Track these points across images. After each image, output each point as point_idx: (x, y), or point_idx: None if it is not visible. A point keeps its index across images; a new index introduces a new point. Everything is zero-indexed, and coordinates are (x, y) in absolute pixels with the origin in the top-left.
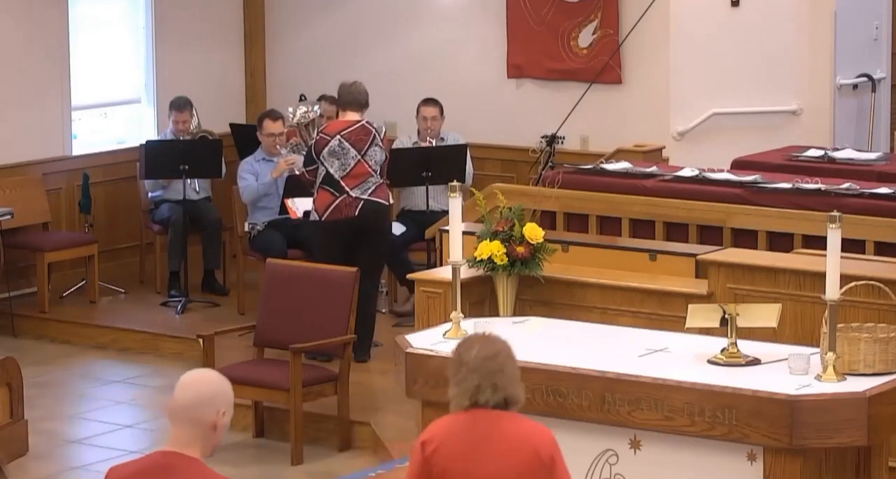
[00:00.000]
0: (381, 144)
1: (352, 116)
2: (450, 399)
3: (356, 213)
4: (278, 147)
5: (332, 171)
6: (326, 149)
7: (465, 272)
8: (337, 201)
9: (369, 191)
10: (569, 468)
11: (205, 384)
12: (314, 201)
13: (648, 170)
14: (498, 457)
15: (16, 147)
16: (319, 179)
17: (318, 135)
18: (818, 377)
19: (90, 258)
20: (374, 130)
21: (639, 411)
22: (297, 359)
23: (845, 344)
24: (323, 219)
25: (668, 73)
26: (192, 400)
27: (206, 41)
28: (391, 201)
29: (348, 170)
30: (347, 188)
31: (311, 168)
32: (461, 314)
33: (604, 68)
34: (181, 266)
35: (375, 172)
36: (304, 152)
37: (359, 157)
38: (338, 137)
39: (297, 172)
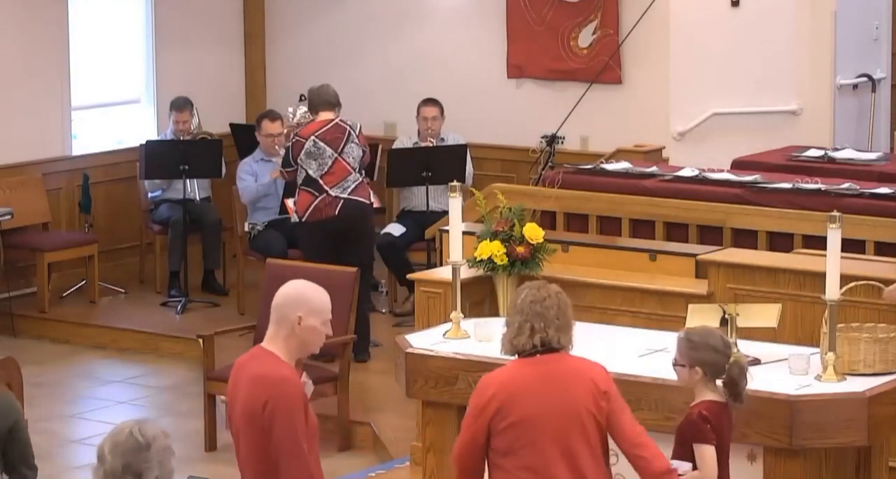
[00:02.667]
0: (356, 140)
1: (325, 115)
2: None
3: (336, 212)
4: (277, 147)
5: (310, 172)
6: (303, 152)
7: (465, 272)
8: (316, 201)
9: (349, 189)
10: None
11: (291, 289)
12: (295, 203)
13: (648, 170)
14: (560, 394)
15: (16, 147)
16: (299, 181)
17: (293, 138)
18: (818, 377)
19: (90, 258)
20: (348, 128)
21: (639, 411)
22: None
23: (845, 344)
24: (304, 220)
25: (668, 74)
26: (276, 300)
27: (206, 41)
28: (373, 199)
29: (326, 169)
30: (326, 187)
31: (289, 169)
32: (461, 314)
33: (604, 68)
34: (181, 266)
35: (355, 170)
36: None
37: (336, 155)
38: (312, 138)
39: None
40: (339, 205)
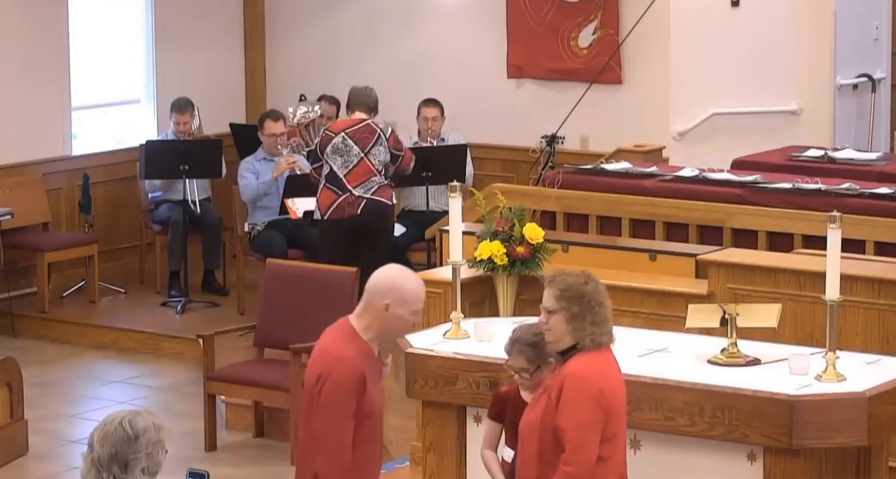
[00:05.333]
0: (385, 144)
1: (358, 115)
2: (592, 336)
3: (358, 211)
4: (279, 147)
5: (335, 168)
6: (330, 146)
7: (465, 272)
8: (339, 200)
9: (372, 190)
10: None
11: (385, 276)
12: (317, 200)
13: (648, 170)
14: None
15: (16, 147)
16: (323, 178)
17: (323, 132)
18: (818, 377)
19: (90, 258)
20: (379, 130)
21: (639, 411)
22: (297, 359)
23: None
24: (325, 217)
25: (668, 73)
26: (370, 283)
27: (206, 41)
28: (394, 202)
29: (351, 167)
30: (350, 186)
31: (317, 166)
32: (461, 314)
33: (604, 68)
34: (181, 266)
35: (379, 172)
36: (307, 152)
37: (362, 155)
38: (342, 134)
39: (298, 172)
40: (362, 204)
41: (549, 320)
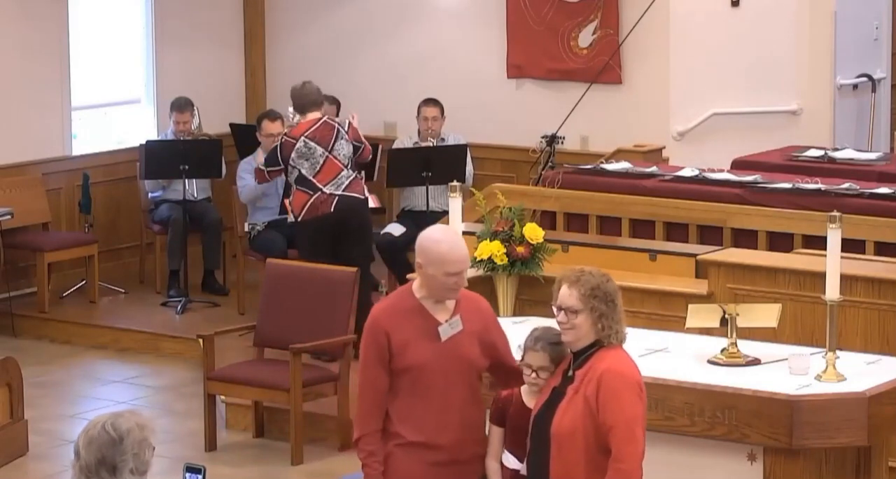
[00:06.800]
0: (346, 137)
1: (312, 115)
2: (616, 333)
3: (332, 209)
4: None
5: (303, 171)
6: (294, 152)
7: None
8: (312, 199)
9: (343, 186)
10: None
11: (421, 236)
12: (290, 203)
13: (648, 170)
14: None
15: (16, 147)
16: (293, 181)
17: (283, 139)
18: (818, 377)
19: (90, 258)
20: (336, 125)
21: None
22: (297, 359)
23: None
24: (300, 219)
25: (668, 73)
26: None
27: (206, 41)
28: (367, 195)
29: (318, 168)
30: (320, 185)
31: (273, 169)
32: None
33: (604, 68)
34: (181, 266)
35: (346, 166)
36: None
37: (326, 153)
38: (302, 138)
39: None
40: (335, 201)
41: (574, 320)
